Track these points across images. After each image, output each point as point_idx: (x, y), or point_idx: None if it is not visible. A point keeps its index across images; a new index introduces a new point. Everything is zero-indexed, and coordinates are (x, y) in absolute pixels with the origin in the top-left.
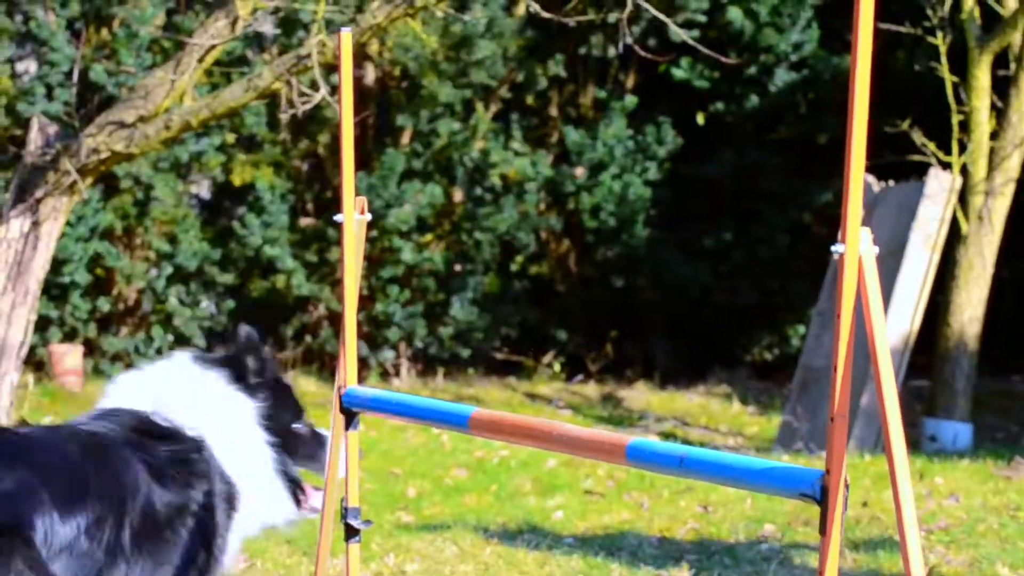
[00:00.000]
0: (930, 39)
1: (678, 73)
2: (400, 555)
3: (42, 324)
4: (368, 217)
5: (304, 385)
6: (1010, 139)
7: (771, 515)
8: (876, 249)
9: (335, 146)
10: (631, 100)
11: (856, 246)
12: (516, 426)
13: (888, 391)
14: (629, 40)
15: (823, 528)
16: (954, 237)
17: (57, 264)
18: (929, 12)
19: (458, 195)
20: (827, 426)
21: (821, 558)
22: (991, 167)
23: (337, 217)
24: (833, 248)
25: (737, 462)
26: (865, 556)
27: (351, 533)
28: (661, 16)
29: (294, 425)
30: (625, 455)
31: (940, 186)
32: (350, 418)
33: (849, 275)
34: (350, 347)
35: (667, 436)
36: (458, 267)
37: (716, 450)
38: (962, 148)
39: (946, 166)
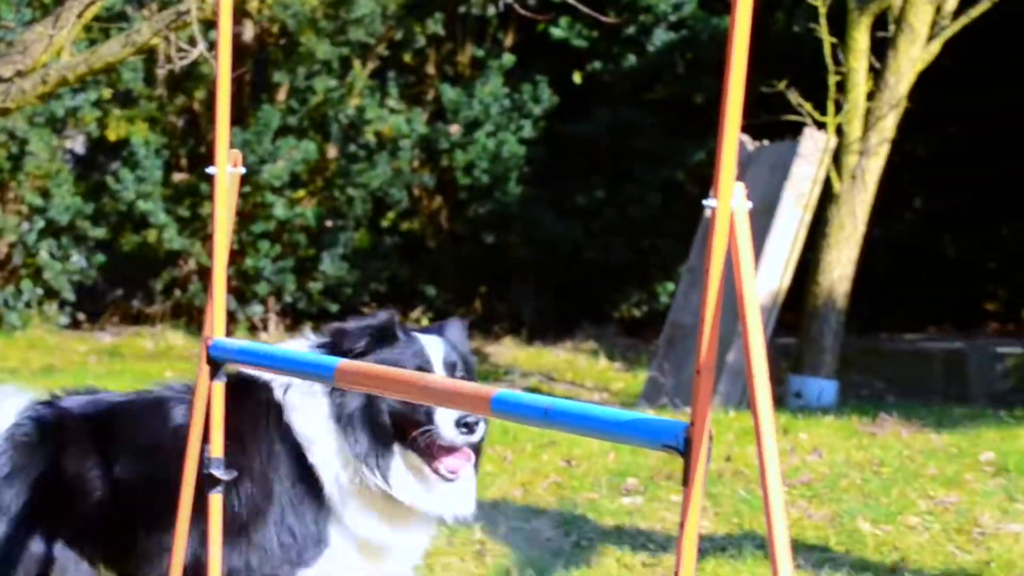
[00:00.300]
0: (809, 0)
1: (556, 32)
2: None
3: None
4: (241, 170)
5: (172, 339)
6: (886, 100)
7: (634, 469)
8: (749, 204)
9: (211, 102)
10: (509, 59)
11: (728, 200)
12: (382, 377)
13: (755, 344)
14: None
15: (686, 480)
16: (827, 197)
17: None
18: None
19: (332, 151)
20: (693, 380)
21: (683, 510)
22: (866, 128)
23: (210, 169)
24: (705, 202)
25: (602, 414)
26: (728, 510)
27: (213, 483)
28: None
29: None
30: (490, 406)
31: (814, 146)
32: (216, 369)
33: (720, 229)
34: (218, 298)
35: (533, 390)
36: (329, 223)
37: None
38: (838, 109)
39: (821, 126)
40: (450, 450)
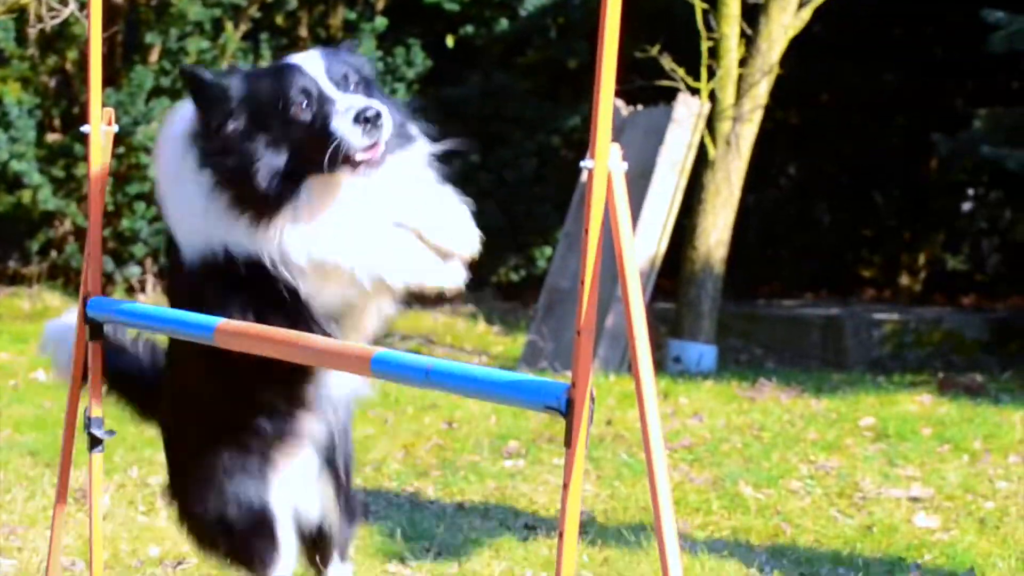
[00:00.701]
0: None
1: None
2: (143, 468)
3: None
4: (115, 128)
5: (49, 300)
6: (759, 66)
7: (516, 432)
8: (625, 165)
9: (83, 62)
10: (381, 22)
11: (605, 160)
12: (262, 336)
13: (635, 303)
14: None
15: (568, 441)
16: (701, 162)
17: None
18: None
19: None
20: (572, 343)
21: (566, 471)
22: (739, 94)
23: (84, 128)
24: (583, 163)
25: (484, 375)
26: (610, 474)
27: (95, 443)
28: None
29: None
30: (370, 366)
31: (688, 111)
32: (95, 329)
33: (598, 189)
34: (95, 256)
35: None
36: None
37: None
38: (711, 74)
39: (695, 92)
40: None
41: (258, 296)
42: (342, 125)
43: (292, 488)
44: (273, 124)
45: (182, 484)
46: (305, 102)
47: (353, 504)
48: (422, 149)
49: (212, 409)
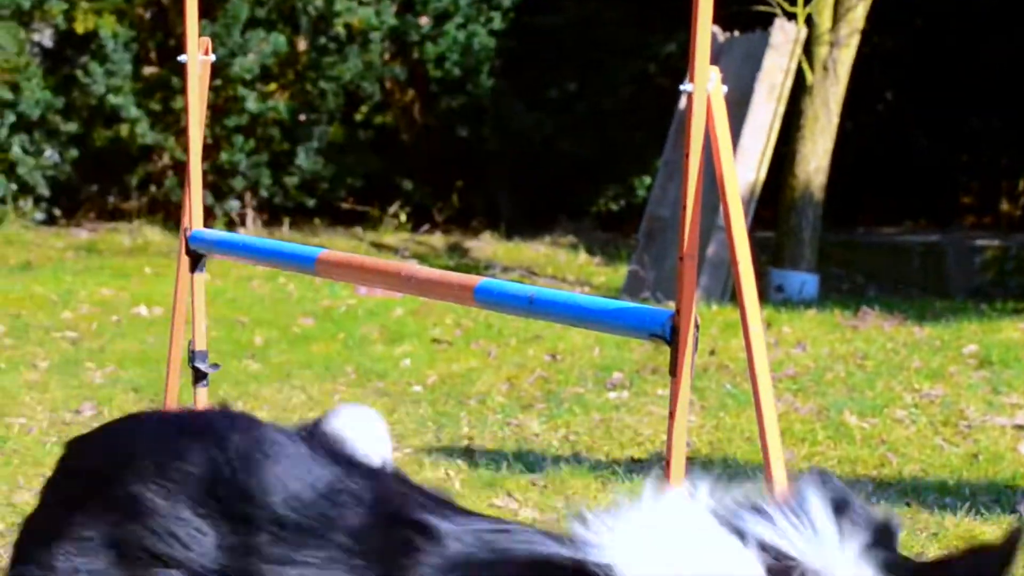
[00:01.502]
0: None
1: None
2: (248, 402)
3: None
4: (212, 58)
5: (149, 235)
6: None
7: (619, 363)
8: (725, 88)
9: None
10: None
11: (705, 83)
12: (364, 267)
13: (737, 227)
14: None
15: (673, 369)
16: (799, 88)
17: None
18: None
19: (302, 44)
20: (674, 272)
21: (672, 400)
22: (836, 18)
23: (181, 57)
24: (682, 87)
25: (588, 302)
26: (714, 404)
27: (199, 377)
28: None
29: None
30: (473, 295)
31: (785, 36)
32: (196, 260)
33: (698, 113)
34: (195, 189)
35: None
36: (303, 117)
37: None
38: None
39: (791, 16)
40: None
41: None
42: None
43: None
44: None
45: None
46: None
47: None
48: None
49: None
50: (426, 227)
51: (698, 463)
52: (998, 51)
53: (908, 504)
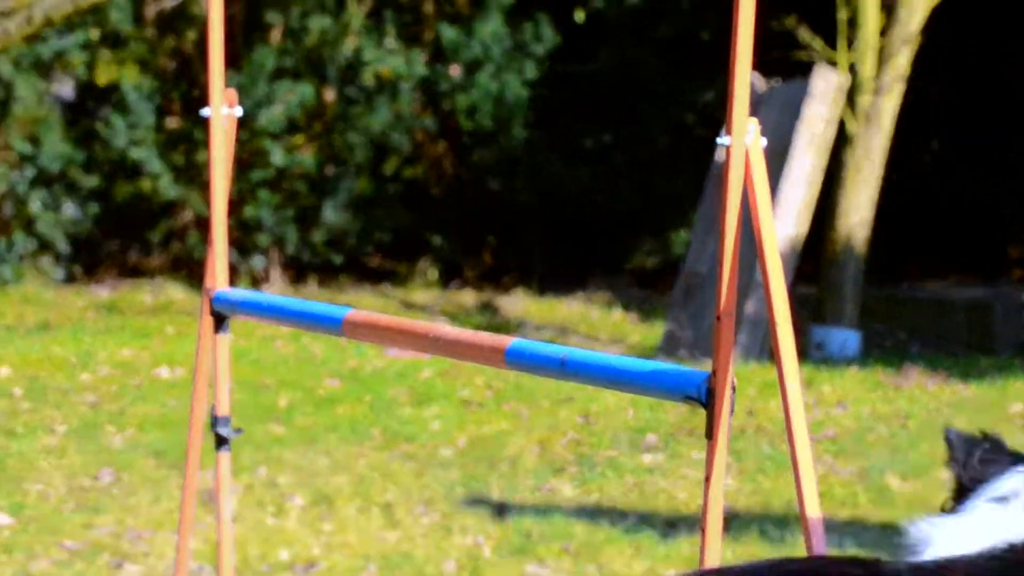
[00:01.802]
0: None
1: None
2: (272, 467)
3: None
4: (238, 111)
5: (172, 292)
6: (899, 35)
7: (654, 425)
8: (764, 141)
9: (203, 43)
10: None
11: (743, 136)
12: (392, 328)
13: (776, 286)
14: None
15: (709, 432)
16: (841, 138)
17: None
18: None
19: (330, 94)
20: (712, 329)
21: (708, 464)
22: (879, 65)
23: (204, 111)
24: (719, 140)
25: (621, 364)
26: (751, 467)
27: (221, 442)
28: None
29: None
30: (504, 358)
31: (827, 85)
32: (220, 321)
33: (736, 167)
34: (219, 247)
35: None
36: (330, 170)
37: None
38: (849, 45)
39: (833, 64)
40: None
41: None
42: None
43: None
44: None
45: None
46: None
47: None
48: None
49: None
50: (456, 283)
51: (735, 527)
52: None
53: None
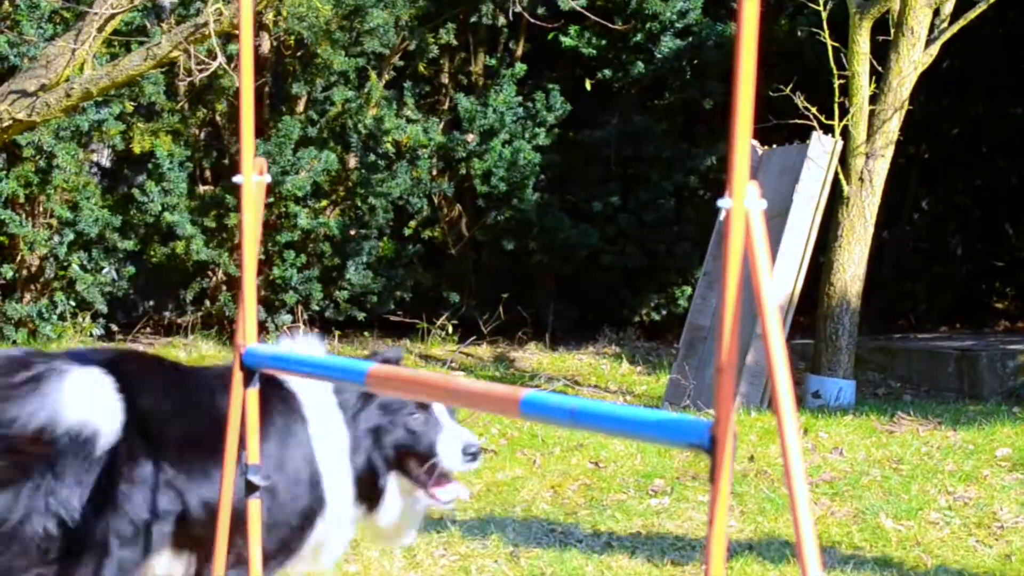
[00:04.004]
0: (812, 5)
1: (566, 40)
2: None
3: None
4: (267, 178)
5: (204, 349)
6: (890, 103)
7: (661, 470)
8: (764, 203)
9: (232, 114)
10: (520, 67)
11: (743, 199)
12: (412, 380)
13: (774, 340)
14: (519, 8)
15: (713, 477)
16: (836, 199)
17: None
18: None
19: (352, 161)
20: (714, 380)
21: (711, 507)
22: (871, 130)
23: (236, 178)
24: (720, 202)
25: (628, 414)
26: (753, 509)
27: (251, 489)
28: None
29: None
30: (519, 408)
31: (822, 148)
32: (250, 376)
33: (736, 228)
34: (249, 305)
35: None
36: (353, 232)
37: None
38: (843, 112)
39: (828, 129)
40: (448, 478)
41: None
42: (448, 449)
43: None
44: (388, 425)
45: None
46: (420, 416)
47: None
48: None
49: None
50: (473, 338)
51: (738, 565)
52: None
53: None
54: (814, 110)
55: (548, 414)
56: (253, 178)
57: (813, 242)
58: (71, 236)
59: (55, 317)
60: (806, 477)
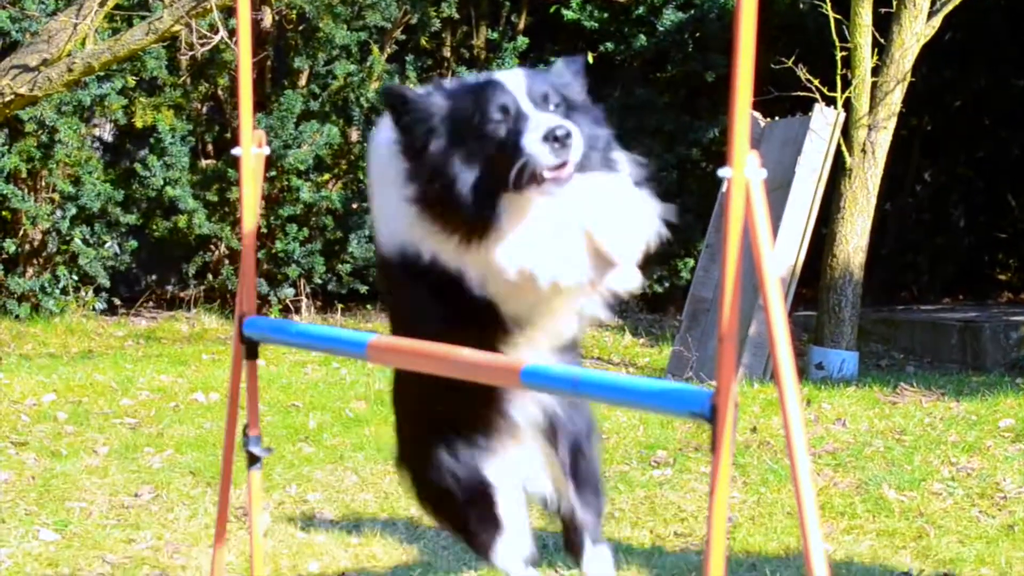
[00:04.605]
0: None
1: (568, 14)
2: (302, 485)
3: None
4: (266, 150)
5: (206, 322)
6: (892, 74)
7: (663, 442)
8: (764, 172)
9: (234, 88)
10: (522, 41)
11: (743, 169)
12: (414, 351)
13: (776, 310)
14: None
15: (714, 446)
16: (838, 171)
17: None
18: None
19: (355, 135)
20: (716, 350)
21: (712, 477)
22: (874, 102)
23: (235, 150)
24: (720, 172)
25: (630, 384)
26: (756, 480)
27: (252, 461)
28: None
29: None
30: (520, 378)
31: (825, 121)
32: (251, 347)
33: (736, 198)
34: (249, 277)
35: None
36: (355, 205)
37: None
38: (845, 84)
39: (830, 101)
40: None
41: (454, 302)
42: (531, 143)
43: (513, 468)
44: (471, 141)
45: (410, 459)
46: (501, 119)
47: (590, 485)
48: (621, 170)
49: (428, 394)
50: None
51: (740, 536)
52: None
53: (946, 575)
54: (816, 82)
55: (551, 384)
56: (252, 150)
57: (816, 214)
58: (73, 210)
59: (58, 291)
60: (809, 448)
